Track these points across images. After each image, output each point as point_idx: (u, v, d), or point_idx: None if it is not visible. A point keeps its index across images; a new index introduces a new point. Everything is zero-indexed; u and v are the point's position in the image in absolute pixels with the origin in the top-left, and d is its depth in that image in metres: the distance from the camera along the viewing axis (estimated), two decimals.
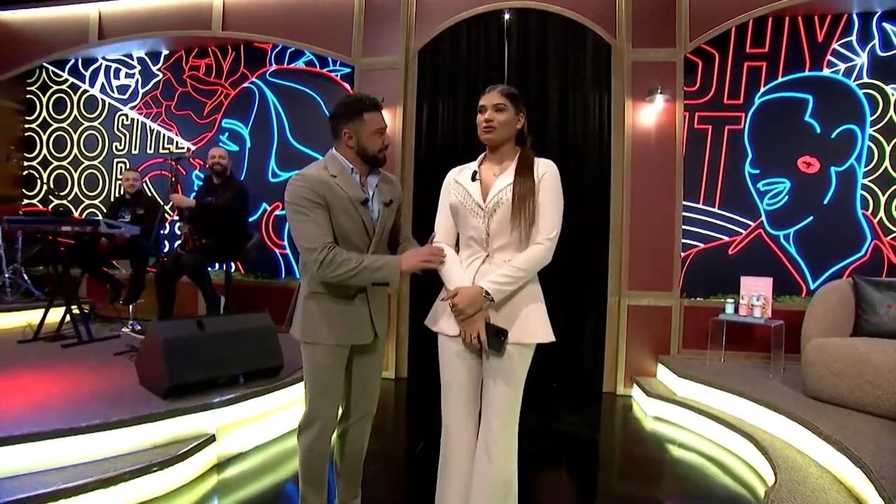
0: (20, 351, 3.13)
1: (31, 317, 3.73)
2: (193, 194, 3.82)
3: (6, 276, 4.20)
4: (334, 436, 1.67)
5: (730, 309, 3.16)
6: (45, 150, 5.02)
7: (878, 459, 1.79)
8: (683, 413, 2.91)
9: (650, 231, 3.53)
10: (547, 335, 1.47)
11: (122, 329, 3.56)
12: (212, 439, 2.18)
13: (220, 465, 2.24)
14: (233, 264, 4.18)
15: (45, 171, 5.03)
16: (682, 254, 3.58)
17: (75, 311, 3.39)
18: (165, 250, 4.43)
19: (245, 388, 2.36)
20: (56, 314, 3.54)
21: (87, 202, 4.92)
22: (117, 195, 4.64)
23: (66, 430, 1.83)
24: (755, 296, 3.04)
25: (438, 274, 1.53)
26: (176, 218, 3.43)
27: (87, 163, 4.90)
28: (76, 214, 4.89)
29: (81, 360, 2.86)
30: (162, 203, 4.07)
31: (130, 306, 3.82)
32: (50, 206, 4.93)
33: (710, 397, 2.85)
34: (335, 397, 1.59)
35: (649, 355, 3.53)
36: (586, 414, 3.22)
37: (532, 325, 1.45)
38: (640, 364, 3.53)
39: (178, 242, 3.28)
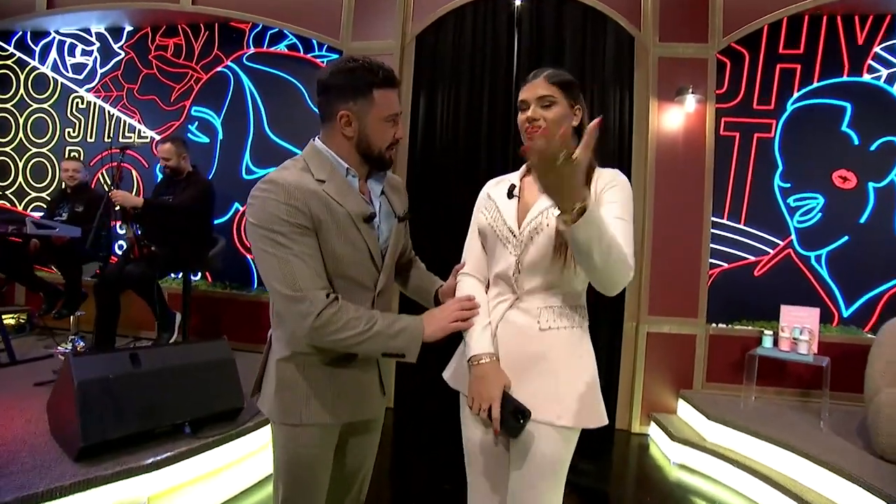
0: None
1: None
2: (153, 192, 3.28)
3: None
4: None
5: (768, 342, 2.76)
6: None
7: None
8: (716, 464, 2.50)
9: (675, 248, 3.13)
10: (592, 417, 1.05)
11: (58, 347, 3.01)
12: None
13: None
14: (198, 272, 3.63)
15: None
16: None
17: None
18: (120, 253, 3.86)
19: (190, 442, 1.85)
20: None
21: (33, 194, 4.33)
22: (61, 189, 4.06)
23: None
24: (798, 328, 2.65)
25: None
26: (121, 219, 2.84)
27: (34, 150, 4.32)
28: (20, 208, 4.29)
29: None
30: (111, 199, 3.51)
31: (71, 318, 3.25)
32: None
33: (749, 447, 2.44)
34: (319, 497, 1.11)
35: (669, 389, 3.12)
36: (598, 456, 2.78)
37: (570, 400, 1.03)
38: (658, 399, 3.12)
39: (124, 249, 2.72)
